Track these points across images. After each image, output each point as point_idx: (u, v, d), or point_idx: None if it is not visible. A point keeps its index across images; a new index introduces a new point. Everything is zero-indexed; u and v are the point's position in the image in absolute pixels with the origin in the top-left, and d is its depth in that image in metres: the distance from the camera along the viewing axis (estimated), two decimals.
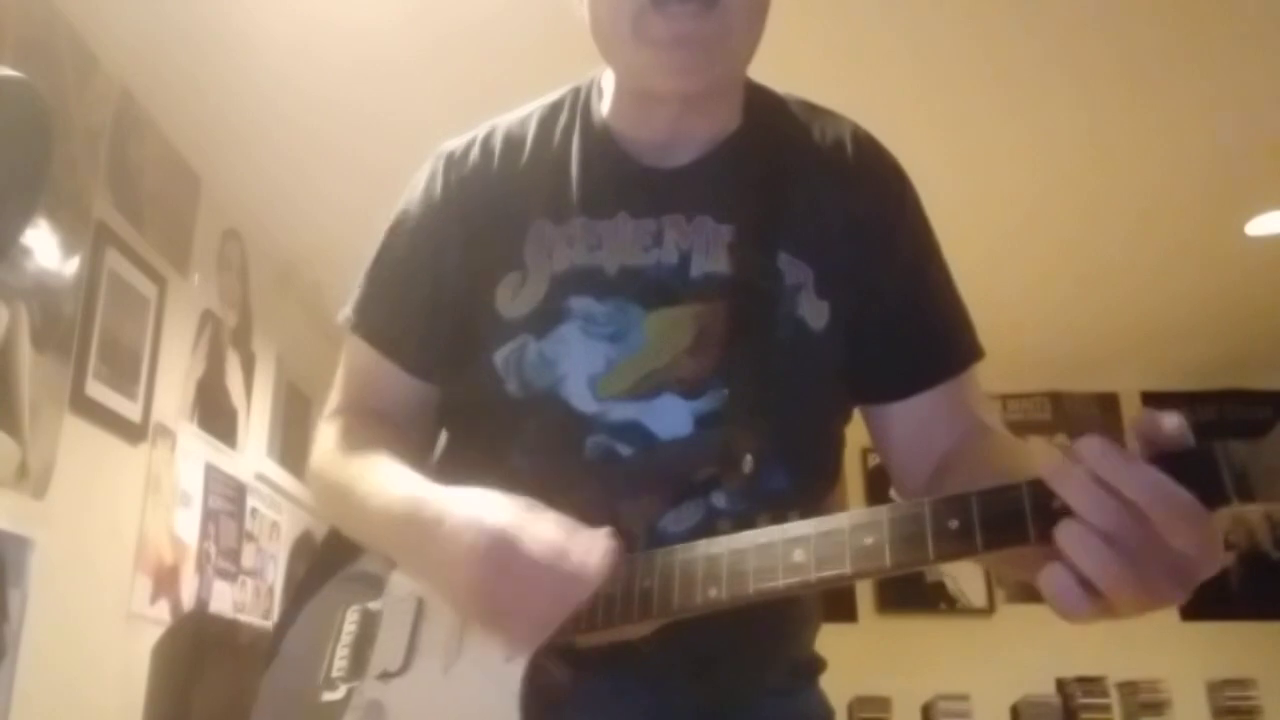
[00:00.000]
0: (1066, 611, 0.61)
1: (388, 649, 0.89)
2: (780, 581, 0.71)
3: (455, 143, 1.04)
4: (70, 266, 2.27)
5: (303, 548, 3.69)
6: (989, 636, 4.39)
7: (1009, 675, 4.22)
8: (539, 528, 0.77)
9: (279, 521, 3.48)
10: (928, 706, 4.19)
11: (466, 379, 0.96)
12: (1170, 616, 4.44)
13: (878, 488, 4.59)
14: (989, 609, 4.47)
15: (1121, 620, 0.62)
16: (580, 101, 1.02)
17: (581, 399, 0.89)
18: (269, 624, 3.32)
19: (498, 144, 1.01)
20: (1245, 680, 4.23)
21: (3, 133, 1.44)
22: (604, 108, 1.00)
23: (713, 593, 0.74)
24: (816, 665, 1.00)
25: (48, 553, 2.11)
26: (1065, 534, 0.60)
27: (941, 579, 4.52)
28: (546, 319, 0.92)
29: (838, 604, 4.29)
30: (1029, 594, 4.43)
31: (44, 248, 2.17)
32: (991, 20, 2.41)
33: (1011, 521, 0.63)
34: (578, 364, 0.90)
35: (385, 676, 0.88)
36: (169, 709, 2.41)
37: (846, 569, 0.69)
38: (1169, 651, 4.27)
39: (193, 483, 2.85)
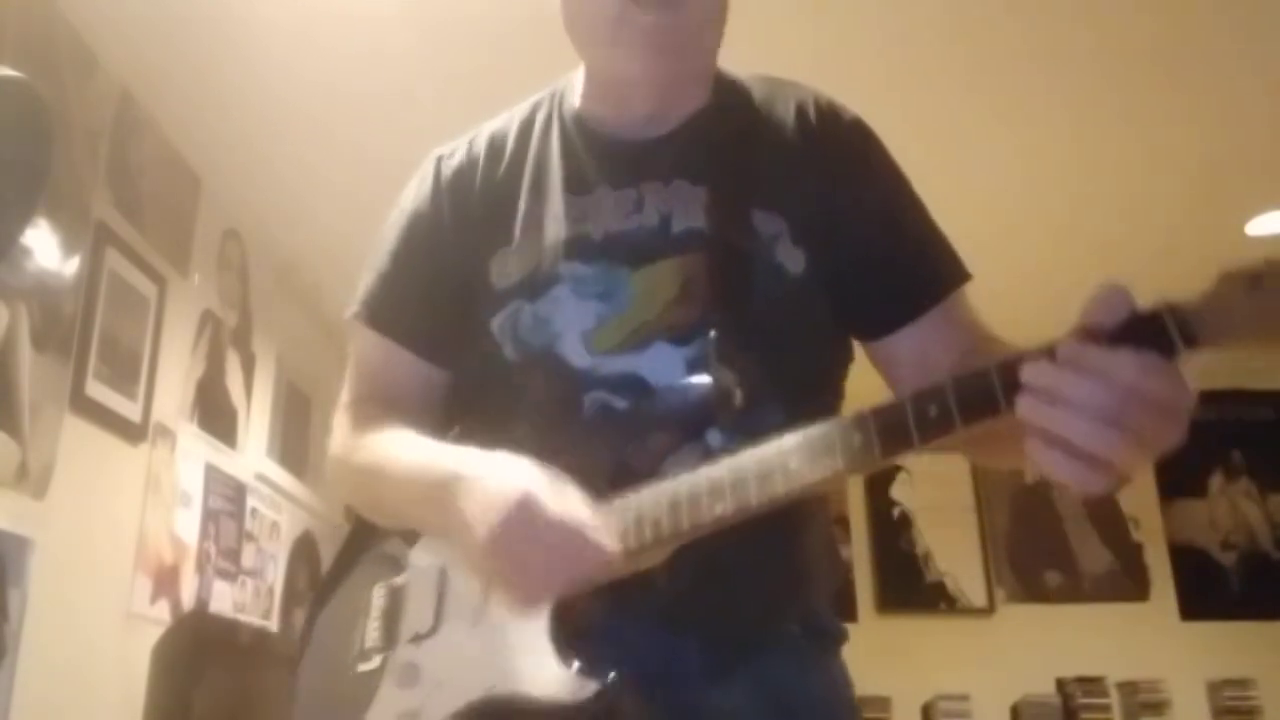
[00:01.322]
0: (1069, 481, 0.67)
1: (416, 615, 0.95)
2: (780, 487, 0.77)
3: (445, 146, 1.12)
4: (70, 266, 2.27)
5: (303, 548, 3.69)
6: (989, 636, 4.39)
7: (1009, 675, 4.21)
8: (565, 496, 0.82)
9: (279, 521, 3.48)
10: (928, 706, 4.19)
11: (468, 353, 1.02)
12: (1170, 616, 4.45)
13: (878, 487, 4.59)
14: (989, 609, 4.47)
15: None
16: (557, 97, 1.11)
17: (576, 354, 0.94)
18: (269, 624, 3.32)
19: (483, 141, 1.10)
20: (1245, 680, 4.23)
21: (3, 133, 1.44)
22: (579, 99, 1.08)
23: (719, 508, 0.79)
24: (836, 633, 1.04)
25: (48, 553, 2.11)
26: (1021, 403, 0.68)
27: (941, 579, 4.52)
28: (538, 284, 0.98)
29: (838, 604, 4.28)
30: (1029, 594, 4.45)
31: (44, 248, 2.17)
32: (988, 16, 2.42)
33: (983, 399, 0.71)
34: (570, 322, 0.95)
35: (417, 639, 0.94)
36: (169, 709, 2.41)
37: (840, 464, 0.75)
38: (1169, 651, 4.27)
39: (193, 483, 2.85)
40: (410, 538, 1.01)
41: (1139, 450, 0.66)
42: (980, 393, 0.70)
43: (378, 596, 1.00)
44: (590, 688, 0.80)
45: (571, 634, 0.83)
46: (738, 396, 0.89)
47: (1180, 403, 0.66)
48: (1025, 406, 0.68)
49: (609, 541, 0.81)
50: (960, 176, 2.95)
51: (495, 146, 1.08)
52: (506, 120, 1.11)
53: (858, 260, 0.99)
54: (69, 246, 2.26)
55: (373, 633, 0.98)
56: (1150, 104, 2.72)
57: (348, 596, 1.04)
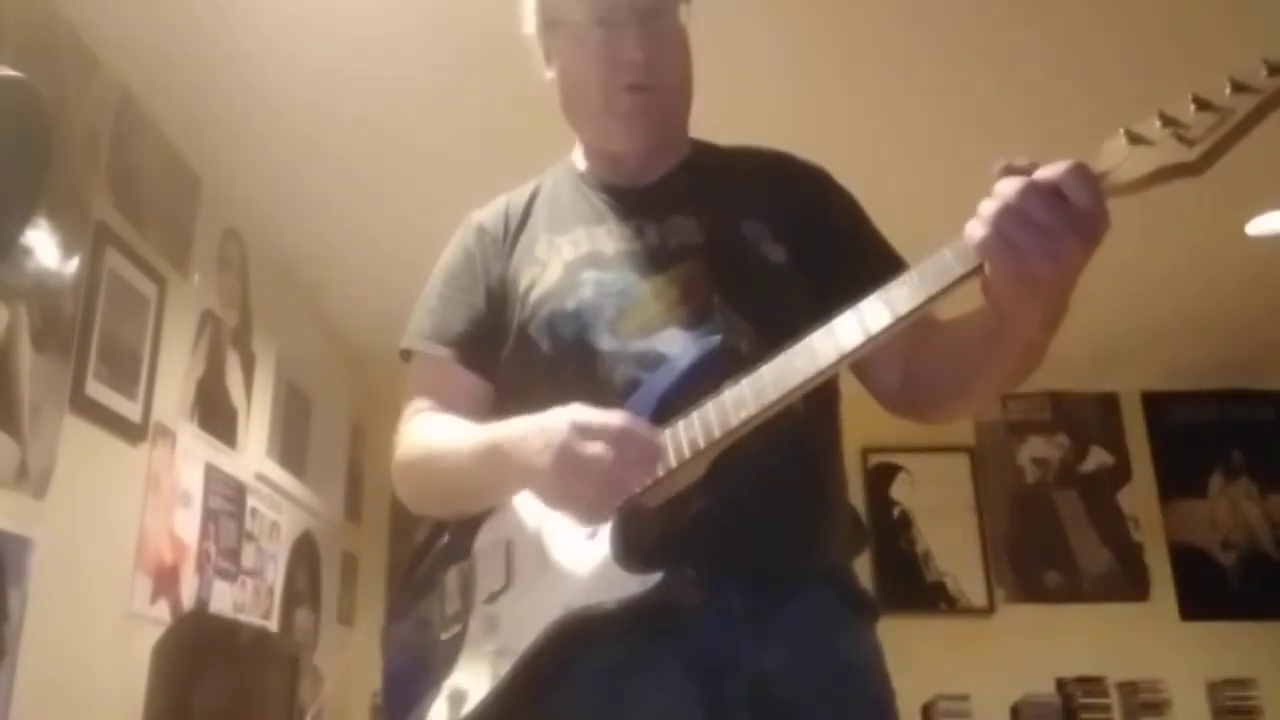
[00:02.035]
0: (978, 243, 0.85)
1: (489, 578, 1.08)
2: (792, 381, 0.92)
3: (477, 211, 1.32)
4: (70, 266, 2.27)
5: (303, 548, 3.69)
6: (989, 636, 4.39)
7: (1009, 675, 4.21)
8: (602, 413, 0.96)
9: (279, 521, 3.48)
10: (928, 706, 4.19)
11: (511, 359, 1.19)
12: (1170, 616, 4.45)
13: (878, 487, 4.59)
14: (989, 609, 4.47)
15: (1056, 304, 0.92)
16: (561, 166, 1.33)
17: (604, 340, 1.11)
18: (269, 624, 3.32)
19: (503, 202, 1.31)
20: (1245, 680, 4.23)
21: (3, 133, 1.44)
22: (581, 165, 1.31)
23: (743, 413, 0.93)
24: (871, 605, 1.13)
25: (48, 553, 2.11)
26: (982, 205, 0.86)
27: (941, 579, 4.52)
28: (565, 290, 1.16)
29: None
30: (1029, 594, 4.46)
31: (44, 248, 2.17)
32: (991, 17, 2.42)
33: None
34: (596, 314, 1.13)
35: (492, 597, 1.07)
36: (169, 709, 2.41)
37: (834, 356, 0.91)
38: (1169, 651, 4.27)
39: (193, 483, 2.85)
40: (469, 536, 1.13)
41: (1049, 245, 0.86)
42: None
43: (451, 578, 1.13)
44: (653, 578, 0.93)
45: (635, 540, 0.97)
46: (744, 345, 1.05)
47: (1098, 220, 0.88)
48: (984, 204, 0.86)
49: (657, 437, 0.96)
50: (956, 169, 2.94)
51: (514, 205, 1.30)
52: (520, 191, 1.32)
53: (827, 258, 1.16)
54: (69, 246, 2.26)
55: (452, 604, 1.11)
56: (1149, 103, 2.72)
57: (423, 591, 1.18)
